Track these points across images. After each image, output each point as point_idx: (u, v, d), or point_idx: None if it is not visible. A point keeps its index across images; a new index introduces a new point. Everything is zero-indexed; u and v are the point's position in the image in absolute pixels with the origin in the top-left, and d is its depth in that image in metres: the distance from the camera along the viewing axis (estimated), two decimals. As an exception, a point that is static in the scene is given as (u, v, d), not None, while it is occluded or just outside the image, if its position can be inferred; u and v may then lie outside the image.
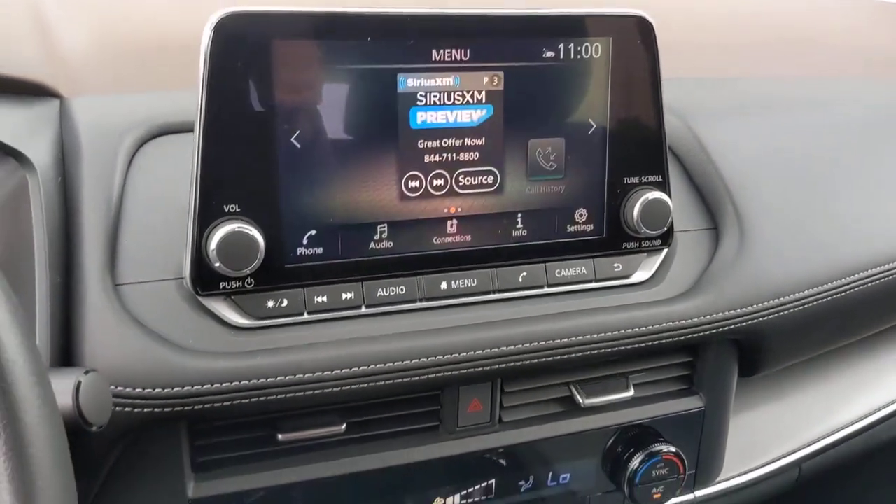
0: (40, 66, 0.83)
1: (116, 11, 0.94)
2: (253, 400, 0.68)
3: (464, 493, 0.83)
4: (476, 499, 0.84)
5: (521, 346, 0.76)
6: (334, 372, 0.70)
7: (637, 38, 0.78)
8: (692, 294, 0.84)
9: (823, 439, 1.03)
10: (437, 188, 0.75)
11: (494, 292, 0.78)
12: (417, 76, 0.72)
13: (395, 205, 0.74)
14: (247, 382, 0.67)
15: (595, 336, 0.79)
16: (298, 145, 0.69)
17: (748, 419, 1.03)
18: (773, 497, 1.07)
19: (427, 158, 0.74)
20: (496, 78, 0.75)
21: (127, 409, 0.65)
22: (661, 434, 0.88)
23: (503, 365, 0.76)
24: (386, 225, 0.74)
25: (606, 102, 0.78)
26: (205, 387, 0.66)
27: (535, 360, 0.77)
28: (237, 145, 0.67)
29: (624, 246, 0.83)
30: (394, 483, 0.79)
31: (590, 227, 0.81)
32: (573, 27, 0.75)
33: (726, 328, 0.84)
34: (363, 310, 0.74)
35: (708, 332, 0.83)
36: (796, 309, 0.88)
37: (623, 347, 0.80)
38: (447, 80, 0.73)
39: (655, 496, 0.87)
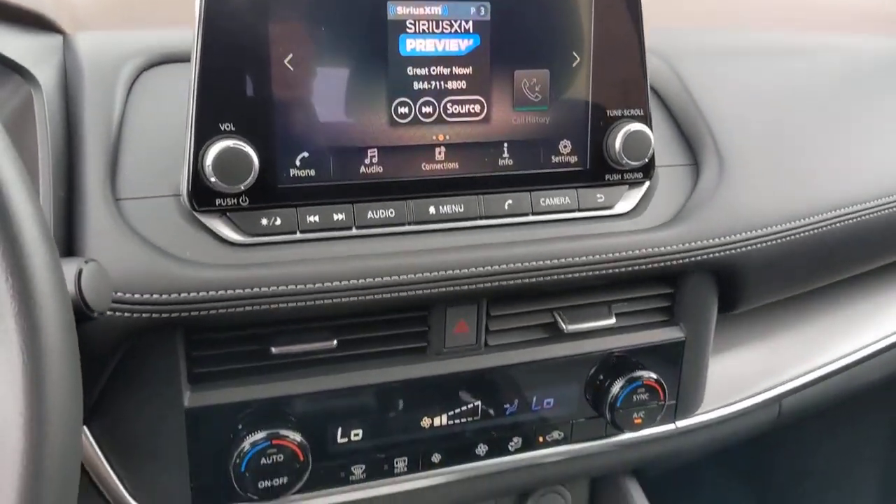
0: (49, 5, 0.86)
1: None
2: (247, 309, 0.71)
3: (450, 413, 0.86)
4: (462, 420, 0.87)
5: (505, 266, 0.79)
6: (325, 285, 0.73)
7: (620, -28, 0.80)
8: (672, 224, 0.87)
9: (803, 376, 1.06)
10: (426, 115, 0.78)
11: (481, 218, 0.82)
12: (406, 4, 0.75)
13: (385, 130, 0.77)
14: (241, 291, 0.71)
15: (578, 259, 0.82)
16: (291, 68, 0.72)
17: (730, 358, 1.06)
18: (754, 433, 1.10)
19: (416, 85, 0.77)
20: (483, 8, 0.78)
21: (126, 314, 0.68)
22: (643, 363, 0.91)
23: (488, 285, 0.79)
24: (376, 150, 0.77)
25: (590, 36, 0.81)
26: (200, 294, 0.69)
27: (520, 282, 0.80)
28: (232, 66, 0.70)
29: (607, 177, 0.86)
30: (383, 401, 0.83)
31: (574, 159, 0.84)
32: (557, -41, 0.78)
33: (705, 257, 0.87)
34: (354, 231, 0.77)
35: (687, 261, 0.86)
36: (774, 242, 0.91)
37: (605, 272, 0.83)
38: (435, 9, 0.76)
39: (636, 421, 0.91)
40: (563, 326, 0.87)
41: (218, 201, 0.72)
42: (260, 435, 0.75)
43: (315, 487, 0.82)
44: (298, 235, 0.75)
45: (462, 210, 0.81)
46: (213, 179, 0.70)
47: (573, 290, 0.87)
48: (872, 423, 1.58)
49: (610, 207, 0.87)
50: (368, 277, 0.74)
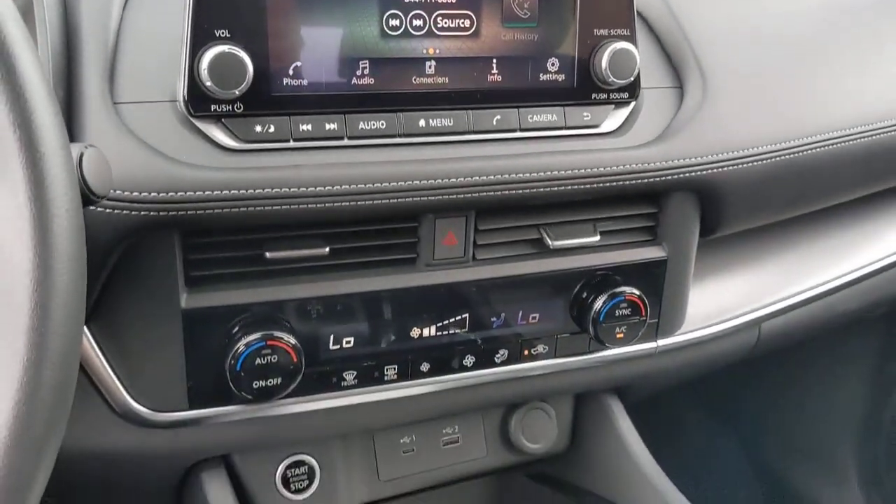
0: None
1: None
2: (241, 210, 0.74)
3: (439, 324, 0.89)
4: (451, 332, 0.90)
5: (492, 177, 0.81)
6: (317, 189, 0.75)
7: None
8: (656, 143, 0.89)
9: (783, 301, 1.10)
10: (417, 28, 0.80)
11: (470, 133, 0.84)
12: (397, -85, 0.77)
13: (377, 42, 0.79)
14: (235, 192, 0.73)
15: (563, 173, 0.84)
16: (285, -24, 0.74)
17: (711, 285, 1.09)
18: (734, 359, 1.13)
19: (407, -2, 0.79)
20: (472, -78, 0.79)
21: (124, 212, 0.70)
22: (626, 281, 0.94)
23: (476, 195, 0.82)
24: (368, 61, 0.79)
25: (578, -47, 0.83)
26: (196, 194, 0.72)
27: (506, 193, 0.83)
28: (228, -27, 0.72)
29: (593, 96, 0.88)
30: (373, 310, 0.86)
31: (561, 77, 0.86)
32: None
33: (687, 175, 0.89)
34: (346, 141, 0.79)
35: (670, 178, 0.89)
36: (755, 163, 0.93)
37: (590, 186, 0.86)
38: (427, -78, 0.78)
39: (619, 336, 0.94)
40: (549, 242, 0.90)
41: (213, 107, 0.74)
42: (255, 335, 0.78)
43: (308, 392, 0.85)
44: (292, 143, 0.77)
45: (451, 124, 0.83)
46: (208, 84, 0.72)
47: (559, 207, 0.90)
48: (855, 355, 1.63)
49: (596, 126, 0.89)
50: (359, 183, 0.77)
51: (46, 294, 0.43)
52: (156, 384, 0.81)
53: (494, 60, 0.83)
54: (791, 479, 1.80)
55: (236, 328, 0.80)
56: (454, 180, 0.80)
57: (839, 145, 1.00)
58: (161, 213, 0.71)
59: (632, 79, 0.87)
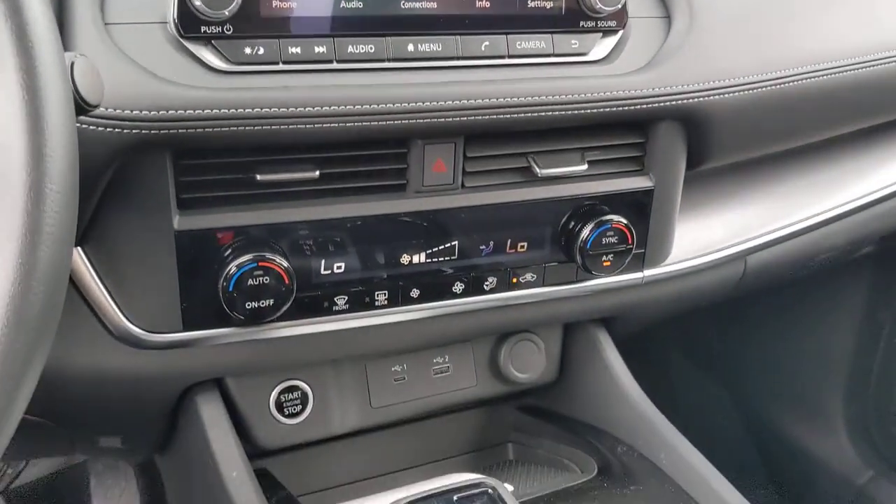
0: None
1: None
2: (231, 130, 0.74)
3: (429, 251, 0.90)
4: (440, 259, 0.91)
5: (481, 101, 0.82)
6: (306, 109, 0.76)
7: None
8: (643, 70, 0.90)
9: (769, 234, 1.11)
10: (405, -48, 0.80)
11: (458, 59, 0.85)
12: None
13: (365, -35, 0.79)
14: (225, 111, 0.74)
15: (551, 98, 0.85)
16: None
17: (699, 219, 1.11)
18: (720, 292, 1.15)
19: (394, -80, 0.79)
20: None
21: (115, 130, 0.71)
22: (613, 210, 0.95)
23: (464, 119, 0.82)
24: (356, -16, 0.80)
25: None
26: (187, 112, 0.73)
27: (495, 118, 0.84)
28: None
29: (581, 24, 0.88)
30: (364, 235, 0.87)
31: (549, 4, 0.87)
32: None
33: (674, 103, 0.90)
34: (334, 64, 0.80)
35: (656, 106, 0.90)
36: (742, 92, 0.94)
37: (578, 112, 0.87)
38: None
39: (605, 264, 0.95)
40: (537, 170, 0.91)
41: (203, 28, 0.75)
42: (247, 257, 0.80)
43: (300, 316, 0.87)
44: (281, 66, 0.78)
45: (440, 49, 0.84)
46: (197, 4, 0.73)
47: (547, 136, 0.91)
48: (844, 303, 1.65)
49: (584, 54, 0.90)
50: (348, 105, 0.78)
51: (40, 177, 0.44)
52: (150, 305, 0.82)
53: (482, -15, 0.84)
54: (780, 429, 1.83)
55: (228, 250, 0.81)
56: (442, 104, 0.81)
57: (826, 77, 1.01)
58: (152, 132, 0.72)
59: (619, 6, 0.88)
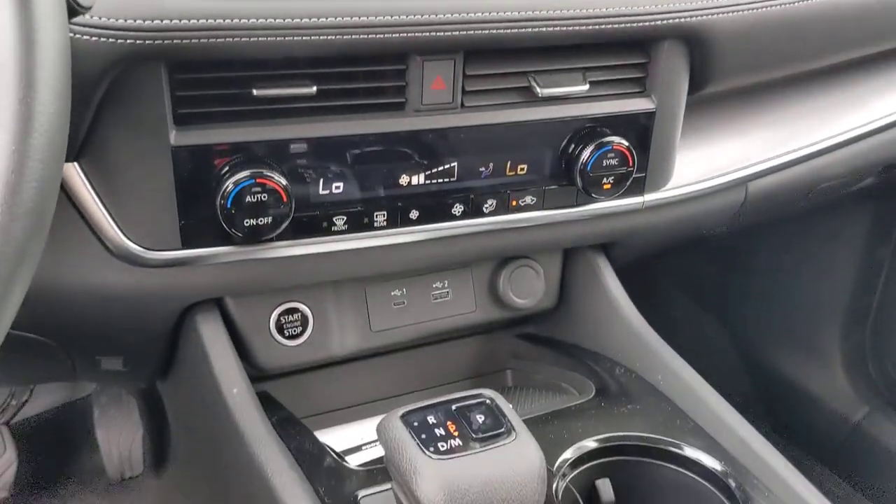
0: None
1: None
2: (227, 41, 0.73)
3: (428, 172, 0.90)
4: (439, 180, 0.91)
5: (480, 14, 0.81)
6: (303, 20, 0.75)
7: None
8: (646, -13, 0.89)
9: (770, 160, 1.11)
10: None
11: None
12: None
13: None
14: (221, 21, 0.73)
15: (553, 13, 0.84)
16: None
17: (700, 146, 1.10)
18: (721, 220, 1.15)
19: None
20: None
21: (109, 40, 0.70)
22: (614, 132, 0.94)
23: (464, 32, 0.81)
24: None
25: None
26: (182, 22, 0.71)
27: (494, 32, 0.82)
28: None
29: None
30: (362, 154, 0.86)
31: (551, -79, 0.85)
32: None
33: (677, 20, 0.89)
34: None
35: (659, 23, 0.89)
36: (745, 12, 0.93)
37: (580, 28, 0.85)
38: None
39: (605, 187, 0.95)
40: (538, 90, 0.90)
41: (197, -63, 0.73)
42: (244, 173, 0.79)
43: (299, 235, 0.87)
44: None
45: None
46: (192, -90, 0.71)
47: (548, 55, 0.90)
48: (844, 239, 1.65)
49: (585, -29, 0.88)
50: (345, 16, 0.76)
51: (31, 65, 0.43)
52: (148, 223, 0.82)
53: None
54: (778, 366, 1.84)
55: (226, 167, 0.80)
56: (441, 17, 0.80)
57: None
58: (146, 42, 0.71)
59: (623, -81, 0.86)
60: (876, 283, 1.70)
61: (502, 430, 0.72)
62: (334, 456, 0.88)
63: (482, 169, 0.93)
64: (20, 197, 0.43)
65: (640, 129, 0.97)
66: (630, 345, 1.03)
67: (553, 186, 0.97)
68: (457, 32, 0.81)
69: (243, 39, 0.74)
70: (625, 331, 1.04)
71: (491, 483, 0.68)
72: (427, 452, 0.69)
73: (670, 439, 0.90)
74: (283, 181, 0.81)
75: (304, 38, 0.76)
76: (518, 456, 0.70)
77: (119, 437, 1.54)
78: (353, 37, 0.78)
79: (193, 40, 0.73)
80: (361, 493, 0.81)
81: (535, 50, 0.89)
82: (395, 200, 0.90)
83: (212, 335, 0.91)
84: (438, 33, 0.81)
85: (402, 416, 0.73)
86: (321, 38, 0.76)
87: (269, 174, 0.80)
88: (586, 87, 0.92)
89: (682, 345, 1.02)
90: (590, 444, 0.89)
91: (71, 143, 0.76)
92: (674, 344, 1.03)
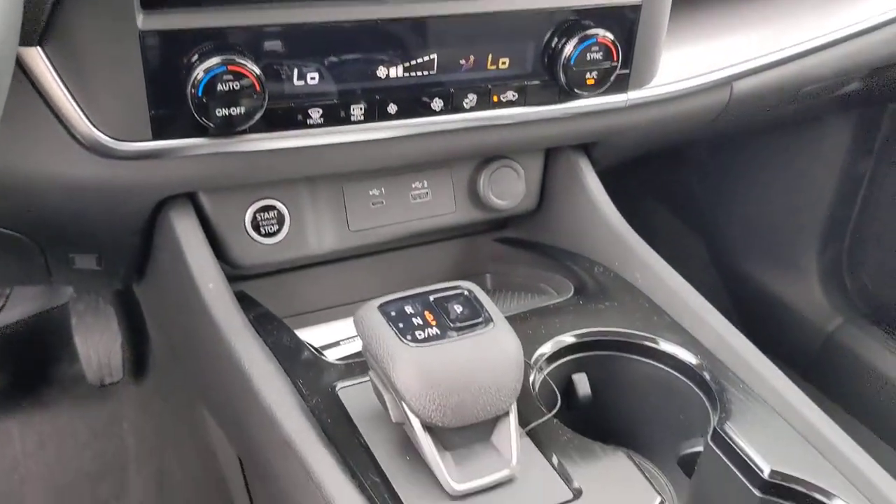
0: None
1: None
2: None
3: (406, 64, 0.87)
4: (418, 72, 0.88)
5: None
6: None
7: None
8: None
9: (756, 60, 1.09)
10: None
11: None
12: None
13: None
14: None
15: None
16: None
17: (685, 46, 1.07)
18: (704, 119, 1.13)
19: None
20: None
21: None
22: (599, 26, 0.92)
23: None
24: None
25: None
26: None
27: None
28: None
29: None
30: (338, 43, 0.83)
31: None
32: None
33: None
34: None
35: None
36: None
37: None
38: None
39: (588, 82, 0.93)
40: (521, -22, 0.87)
41: None
42: (215, 60, 0.76)
43: (273, 128, 0.84)
44: None
45: None
46: None
47: None
48: (824, 153, 1.64)
49: None
50: None
51: None
52: (117, 112, 0.79)
53: None
54: (755, 278, 1.86)
55: (196, 54, 0.78)
56: None
57: None
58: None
59: None
60: (855, 196, 1.70)
61: (480, 319, 0.72)
62: (312, 350, 0.88)
63: (462, 62, 0.90)
64: None
65: (626, 23, 0.95)
66: (609, 243, 1.03)
67: (535, 82, 0.94)
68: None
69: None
70: (604, 230, 1.04)
71: (468, 370, 0.68)
72: (404, 340, 0.69)
73: (647, 334, 0.90)
74: (256, 70, 0.78)
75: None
76: (495, 343, 0.70)
77: (98, 344, 1.54)
78: (328, -86, 0.74)
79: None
80: (339, 385, 0.81)
81: (518, -64, 0.86)
82: (372, 93, 0.87)
83: (186, 230, 0.89)
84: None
85: (380, 307, 0.73)
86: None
87: (241, 62, 0.77)
88: (570, -24, 0.89)
89: (660, 254, 1.02)
90: (567, 339, 0.90)
91: (33, 25, 0.73)
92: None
